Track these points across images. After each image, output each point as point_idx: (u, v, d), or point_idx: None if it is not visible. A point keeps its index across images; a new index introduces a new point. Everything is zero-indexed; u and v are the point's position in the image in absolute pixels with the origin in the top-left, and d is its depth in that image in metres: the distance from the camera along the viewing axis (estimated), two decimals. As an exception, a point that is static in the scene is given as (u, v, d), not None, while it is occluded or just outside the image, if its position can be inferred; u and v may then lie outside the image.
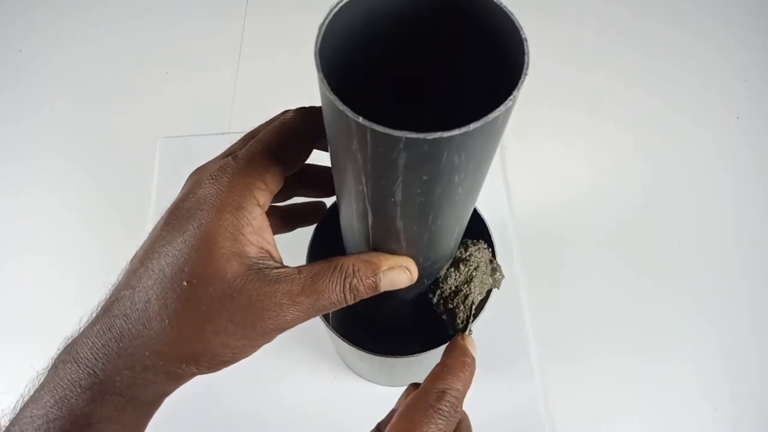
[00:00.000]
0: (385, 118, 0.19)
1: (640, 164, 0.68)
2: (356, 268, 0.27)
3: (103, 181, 0.69)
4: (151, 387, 0.26)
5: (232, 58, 0.77)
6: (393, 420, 0.29)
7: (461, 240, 0.35)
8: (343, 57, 0.22)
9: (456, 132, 0.18)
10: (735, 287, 0.61)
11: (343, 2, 0.20)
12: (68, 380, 0.25)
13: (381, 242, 0.27)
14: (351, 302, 0.27)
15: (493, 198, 0.65)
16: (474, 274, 0.35)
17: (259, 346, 0.27)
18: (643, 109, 0.72)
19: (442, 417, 0.28)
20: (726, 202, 0.65)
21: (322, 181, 0.33)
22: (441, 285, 0.36)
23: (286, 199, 0.33)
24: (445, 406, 0.28)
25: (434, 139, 0.18)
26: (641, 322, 0.59)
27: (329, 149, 0.25)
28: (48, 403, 0.25)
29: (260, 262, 0.26)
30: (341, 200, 0.27)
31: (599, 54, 0.76)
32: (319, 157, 0.30)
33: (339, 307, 0.27)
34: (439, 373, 0.30)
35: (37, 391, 0.26)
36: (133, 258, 0.27)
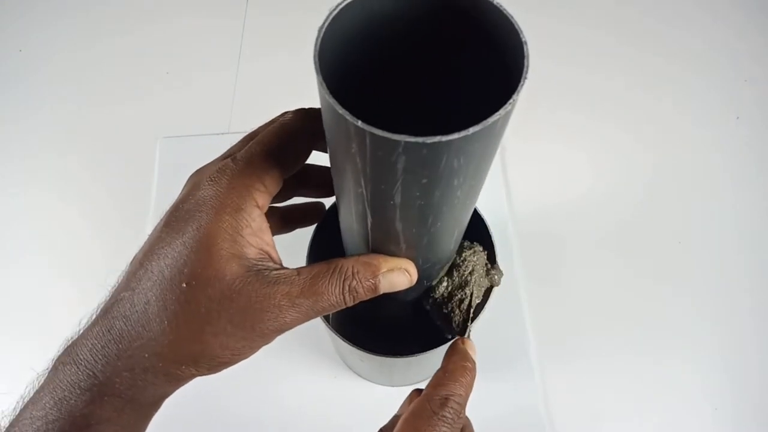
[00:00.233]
0: (384, 119, 0.19)
1: (639, 164, 0.68)
2: (356, 270, 0.27)
3: (103, 181, 0.69)
4: (151, 388, 0.26)
5: (232, 58, 0.77)
6: (397, 427, 0.29)
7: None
8: (342, 59, 0.22)
9: (455, 136, 0.18)
10: (735, 287, 0.61)
11: (343, 5, 0.20)
12: (68, 382, 0.25)
13: (380, 244, 0.27)
14: (350, 304, 0.27)
15: (493, 198, 0.65)
16: (468, 279, 0.36)
17: (259, 347, 0.27)
18: (643, 109, 0.72)
19: (445, 424, 0.28)
20: (726, 202, 0.65)
21: (322, 180, 0.33)
22: (433, 292, 0.36)
23: (286, 200, 0.33)
24: (449, 413, 0.29)
25: (433, 143, 0.18)
26: (641, 322, 0.59)
27: (329, 151, 0.25)
28: (47, 405, 0.25)
29: (259, 263, 0.26)
30: (340, 202, 0.27)
31: (599, 54, 0.76)
32: (319, 157, 0.30)
33: (338, 309, 0.27)
34: (441, 379, 0.30)
35: (37, 392, 0.26)
36: (132, 260, 0.27)
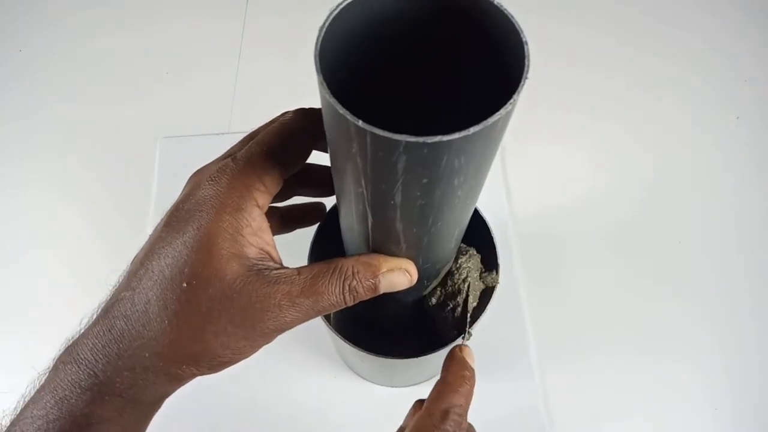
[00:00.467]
0: (384, 119, 0.19)
1: (639, 164, 0.68)
2: (356, 270, 0.27)
3: (103, 181, 0.69)
4: (152, 388, 0.26)
5: (232, 58, 0.77)
6: None
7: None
8: (342, 59, 0.22)
9: (456, 136, 0.18)
10: (735, 287, 0.60)
11: (343, 4, 0.20)
12: (68, 381, 0.25)
13: (381, 244, 0.27)
14: (350, 304, 0.27)
15: (493, 198, 0.65)
16: (462, 286, 0.36)
17: (259, 347, 0.27)
18: (643, 109, 0.72)
19: None
20: (726, 202, 0.65)
21: (322, 180, 0.33)
22: (428, 300, 0.36)
23: (286, 199, 0.33)
24: (450, 426, 0.29)
25: (434, 143, 0.18)
26: (641, 322, 0.59)
27: (329, 151, 0.25)
28: (48, 404, 0.25)
29: (260, 263, 0.26)
30: (341, 202, 0.27)
31: (599, 54, 0.76)
32: (319, 157, 0.30)
33: (338, 309, 0.27)
34: (440, 391, 0.31)
35: (38, 391, 0.26)
36: (133, 260, 0.27)
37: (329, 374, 0.57)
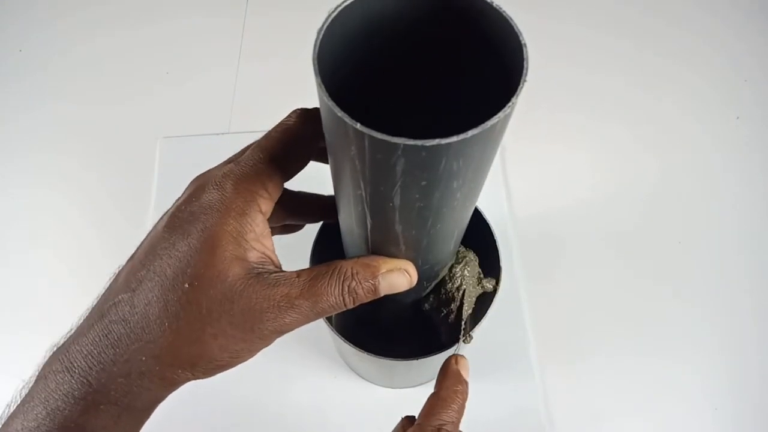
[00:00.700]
0: (384, 119, 0.19)
1: (639, 164, 0.68)
2: (355, 271, 0.27)
3: (103, 181, 0.69)
4: (146, 394, 0.26)
5: (232, 58, 0.77)
6: None
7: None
8: (342, 60, 0.22)
9: (454, 139, 0.18)
10: (735, 287, 0.60)
11: (342, 6, 0.20)
12: (61, 391, 0.25)
13: (380, 246, 0.27)
14: (350, 306, 0.27)
15: (493, 198, 0.65)
16: (456, 294, 0.36)
17: (257, 350, 0.27)
18: (643, 109, 0.72)
19: None
20: (726, 202, 0.65)
21: (312, 208, 0.34)
22: (422, 305, 0.36)
23: (278, 224, 0.33)
24: None
25: (432, 146, 0.18)
26: (641, 322, 0.59)
27: (328, 153, 0.25)
28: (40, 415, 0.24)
29: (260, 266, 0.26)
30: (340, 204, 0.27)
31: (599, 54, 0.76)
32: (318, 164, 0.30)
33: (338, 311, 0.27)
34: (433, 407, 0.31)
35: (27, 401, 0.25)
36: (130, 259, 0.27)
37: (329, 374, 0.57)
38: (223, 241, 0.25)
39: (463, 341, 0.37)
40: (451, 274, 0.36)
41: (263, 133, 0.28)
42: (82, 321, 0.27)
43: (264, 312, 0.25)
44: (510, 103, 0.18)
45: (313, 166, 0.29)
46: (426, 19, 0.23)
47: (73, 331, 0.26)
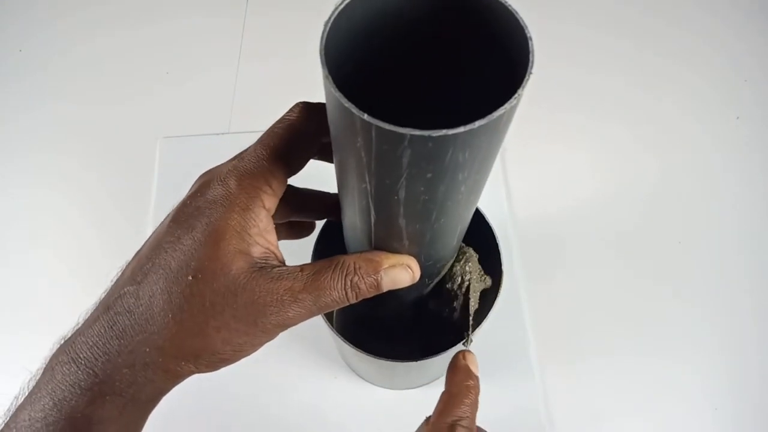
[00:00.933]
0: (384, 118, 0.19)
1: (639, 164, 0.68)
2: (358, 266, 0.27)
3: (103, 181, 0.69)
4: (150, 385, 0.26)
5: (232, 58, 0.77)
6: None
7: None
8: (344, 58, 0.22)
9: (461, 129, 0.18)
10: (735, 287, 0.61)
11: (348, 0, 0.20)
12: (67, 382, 0.25)
13: (383, 241, 0.27)
14: (353, 300, 0.27)
15: (493, 198, 0.65)
16: (458, 293, 0.36)
17: (260, 344, 0.27)
18: (643, 109, 0.72)
19: None
20: (726, 202, 0.65)
21: (316, 205, 0.34)
22: (424, 305, 0.36)
23: (283, 220, 0.33)
24: None
25: (439, 137, 0.18)
26: (641, 323, 0.59)
27: (333, 147, 0.25)
28: (47, 406, 0.25)
29: (264, 261, 0.26)
30: (344, 198, 0.27)
31: (599, 54, 0.76)
32: (319, 163, 0.30)
33: (341, 306, 0.27)
34: (446, 404, 0.31)
35: (34, 392, 0.25)
36: (136, 254, 0.27)
37: (330, 374, 0.57)
38: (227, 235, 0.25)
39: (464, 344, 0.37)
40: (453, 273, 0.36)
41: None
42: (89, 314, 0.27)
43: (267, 306, 0.25)
44: (516, 95, 0.18)
45: (314, 165, 0.30)
46: (426, 19, 0.23)
47: (79, 324, 0.27)
